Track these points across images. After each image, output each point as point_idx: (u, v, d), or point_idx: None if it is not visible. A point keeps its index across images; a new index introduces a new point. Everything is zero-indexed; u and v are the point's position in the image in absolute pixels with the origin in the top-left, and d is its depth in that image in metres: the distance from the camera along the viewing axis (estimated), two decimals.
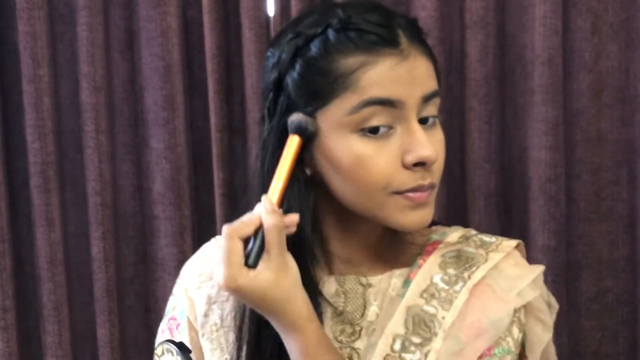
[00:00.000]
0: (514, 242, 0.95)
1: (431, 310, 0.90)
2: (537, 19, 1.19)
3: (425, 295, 0.91)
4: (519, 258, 0.95)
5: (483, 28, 1.23)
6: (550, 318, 0.95)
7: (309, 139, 0.86)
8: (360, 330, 0.92)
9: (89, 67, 1.31)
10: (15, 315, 1.38)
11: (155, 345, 1.04)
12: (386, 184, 0.85)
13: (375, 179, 0.85)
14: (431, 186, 0.87)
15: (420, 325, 0.89)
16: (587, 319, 1.26)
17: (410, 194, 0.86)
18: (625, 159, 1.23)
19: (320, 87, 0.85)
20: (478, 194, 1.26)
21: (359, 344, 0.92)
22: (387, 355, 0.88)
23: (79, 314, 1.41)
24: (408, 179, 0.85)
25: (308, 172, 0.89)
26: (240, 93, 1.30)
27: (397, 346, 0.88)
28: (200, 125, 1.35)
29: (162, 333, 1.03)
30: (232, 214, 1.26)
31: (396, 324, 0.89)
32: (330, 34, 0.85)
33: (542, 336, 0.94)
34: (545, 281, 0.99)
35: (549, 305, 0.96)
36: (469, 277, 0.91)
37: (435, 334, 0.88)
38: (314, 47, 0.86)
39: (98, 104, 1.32)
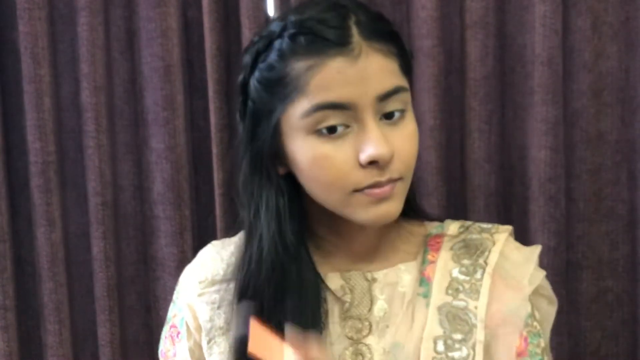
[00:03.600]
0: (509, 227, 1.00)
1: (461, 304, 0.92)
2: (537, 19, 1.19)
3: (450, 291, 0.93)
4: (516, 242, 0.99)
5: (483, 28, 1.23)
6: (553, 293, 0.99)
7: None
8: (370, 325, 0.94)
9: (89, 67, 1.31)
10: (15, 314, 1.38)
11: (159, 350, 1.04)
12: (343, 183, 0.86)
13: (332, 179, 0.87)
14: (390, 181, 0.87)
15: (457, 321, 0.90)
16: (587, 319, 1.26)
17: (369, 190, 0.86)
18: (625, 159, 1.23)
19: (276, 92, 0.87)
20: (478, 194, 1.26)
21: (370, 340, 0.93)
22: (434, 358, 0.89)
23: (79, 314, 1.41)
24: (364, 177, 0.86)
25: (281, 171, 0.91)
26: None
27: (440, 347, 0.89)
28: (200, 125, 1.35)
29: (165, 340, 1.04)
30: (232, 214, 1.28)
31: (432, 327, 0.90)
32: (284, 39, 0.87)
33: (549, 309, 0.98)
34: None
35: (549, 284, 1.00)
36: (485, 262, 0.94)
37: (475, 325, 0.90)
38: (270, 53, 0.88)
39: (98, 104, 1.32)
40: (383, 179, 0.86)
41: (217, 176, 1.29)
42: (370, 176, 0.86)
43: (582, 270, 1.26)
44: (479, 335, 0.89)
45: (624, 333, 1.26)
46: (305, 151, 0.87)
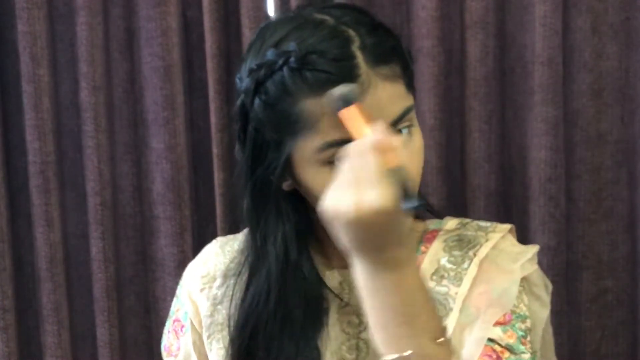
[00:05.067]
0: (508, 226, 0.99)
1: (443, 289, 0.92)
2: (537, 19, 1.19)
3: (435, 277, 0.94)
4: (514, 240, 0.99)
5: (483, 28, 1.23)
6: (546, 295, 0.97)
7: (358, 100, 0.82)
8: (367, 320, 0.93)
9: (88, 67, 1.31)
10: (14, 315, 1.38)
11: (161, 345, 1.04)
12: None
13: None
14: None
15: (436, 306, 0.90)
16: (587, 319, 1.26)
17: None
18: (625, 159, 1.24)
19: (283, 127, 0.85)
20: (478, 194, 1.26)
21: (367, 335, 0.93)
22: None
23: (78, 314, 1.40)
24: None
25: (285, 187, 0.91)
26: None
27: None
28: (200, 125, 1.34)
29: (168, 334, 1.04)
30: (232, 214, 1.28)
31: None
32: (286, 73, 0.83)
33: (540, 312, 0.96)
34: None
35: (545, 285, 0.99)
36: (475, 254, 0.94)
37: (451, 309, 0.91)
38: (272, 87, 0.85)
39: (97, 103, 1.32)
40: None
41: (217, 176, 1.29)
42: None
43: (582, 270, 1.26)
44: (452, 318, 0.90)
45: (624, 333, 1.26)
46: (320, 181, 0.85)
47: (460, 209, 1.26)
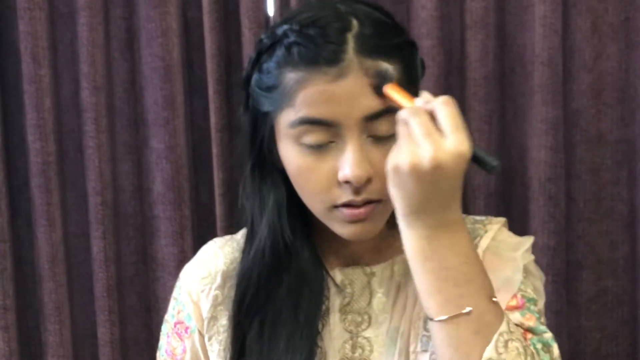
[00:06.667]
0: (502, 218, 1.00)
1: None
2: (537, 19, 1.19)
3: None
4: (509, 232, 1.00)
5: (483, 28, 1.23)
6: (541, 285, 0.99)
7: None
8: (369, 318, 0.95)
9: (89, 67, 1.31)
10: (15, 314, 1.38)
11: (160, 350, 1.04)
12: (322, 197, 0.87)
13: (312, 191, 0.88)
14: (367, 202, 0.87)
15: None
16: (587, 319, 1.26)
17: (345, 210, 0.87)
18: (625, 159, 1.24)
19: (270, 97, 0.88)
20: (478, 194, 1.26)
21: (369, 333, 0.95)
22: (423, 336, 0.92)
23: (79, 314, 1.41)
24: (341, 194, 0.87)
25: (280, 166, 0.92)
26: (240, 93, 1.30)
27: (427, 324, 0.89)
28: (200, 125, 1.35)
29: (169, 338, 1.03)
30: (232, 214, 1.28)
31: (421, 307, 0.90)
32: (282, 47, 0.86)
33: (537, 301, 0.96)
34: (545, 281, 1.01)
35: (540, 276, 1.00)
36: (476, 245, 0.94)
37: None
38: (270, 57, 0.88)
39: (98, 104, 1.32)
40: (358, 199, 0.86)
41: (217, 176, 1.29)
42: (346, 195, 0.86)
43: (582, 270, 1.26)
44: None
45: (624, 333, 1.26)
46: (292, 159, 0.88)
47: (460, 208, 1.26)
